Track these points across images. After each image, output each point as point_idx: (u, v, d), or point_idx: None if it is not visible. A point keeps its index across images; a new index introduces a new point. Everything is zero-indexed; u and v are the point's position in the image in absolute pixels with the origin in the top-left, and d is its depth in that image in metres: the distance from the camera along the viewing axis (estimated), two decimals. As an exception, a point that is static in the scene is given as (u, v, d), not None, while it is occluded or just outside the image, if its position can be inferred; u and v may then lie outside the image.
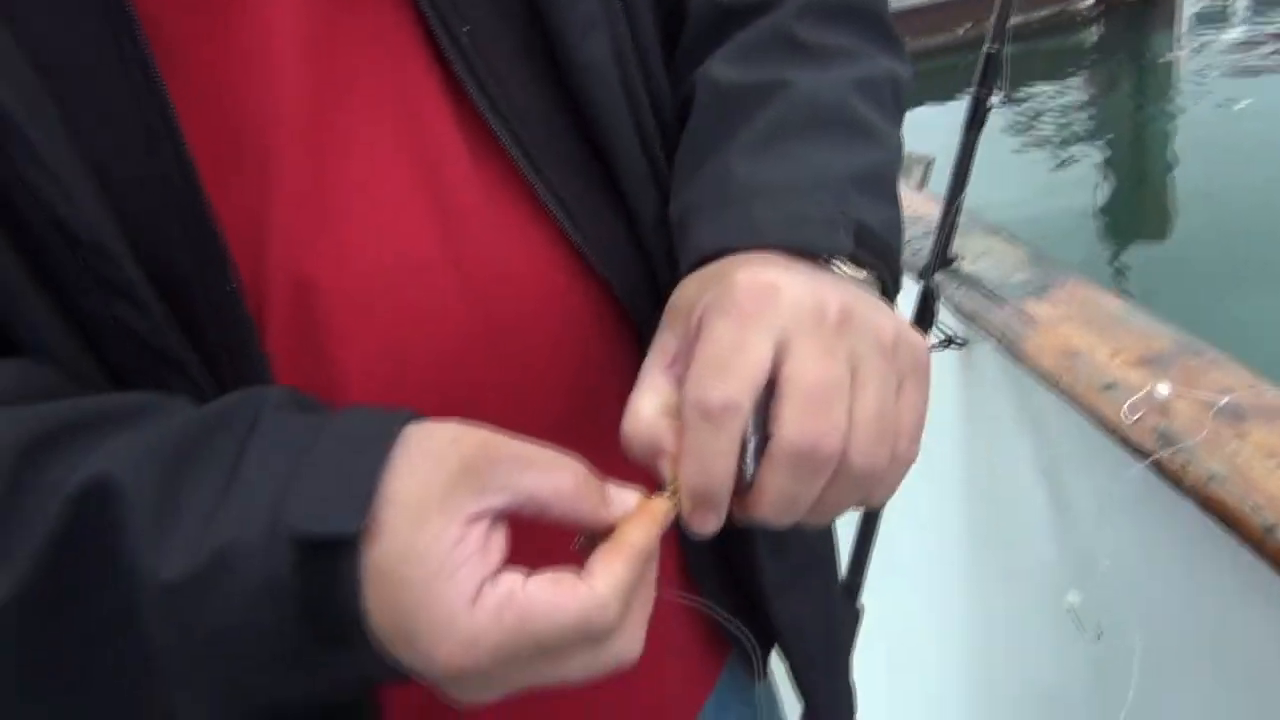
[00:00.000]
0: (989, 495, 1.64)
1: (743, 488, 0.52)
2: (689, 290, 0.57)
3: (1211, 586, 1.09)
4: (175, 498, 0.48)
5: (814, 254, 0.57)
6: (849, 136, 0.64)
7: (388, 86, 0.60)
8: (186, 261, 0.55)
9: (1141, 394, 1.09)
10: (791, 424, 0.51)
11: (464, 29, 0.60)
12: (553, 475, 0.50)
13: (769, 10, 0.70)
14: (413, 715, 0.64)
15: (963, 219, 1.56)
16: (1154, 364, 1.15)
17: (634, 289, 0.65)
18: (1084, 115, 9.41)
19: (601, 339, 0.66)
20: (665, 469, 0.53)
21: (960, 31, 9.35)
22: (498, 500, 0.48)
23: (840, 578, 0.88)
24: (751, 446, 0.52)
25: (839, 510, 0.55)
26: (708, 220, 0.60)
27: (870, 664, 1.16)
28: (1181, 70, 9.95)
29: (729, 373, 0.51)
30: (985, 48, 1.50)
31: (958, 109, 1.59)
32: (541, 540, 0.49)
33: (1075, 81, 10.08)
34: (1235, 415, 1.03)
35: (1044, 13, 11.10)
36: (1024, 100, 9.36)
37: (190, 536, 0.48)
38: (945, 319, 1.55)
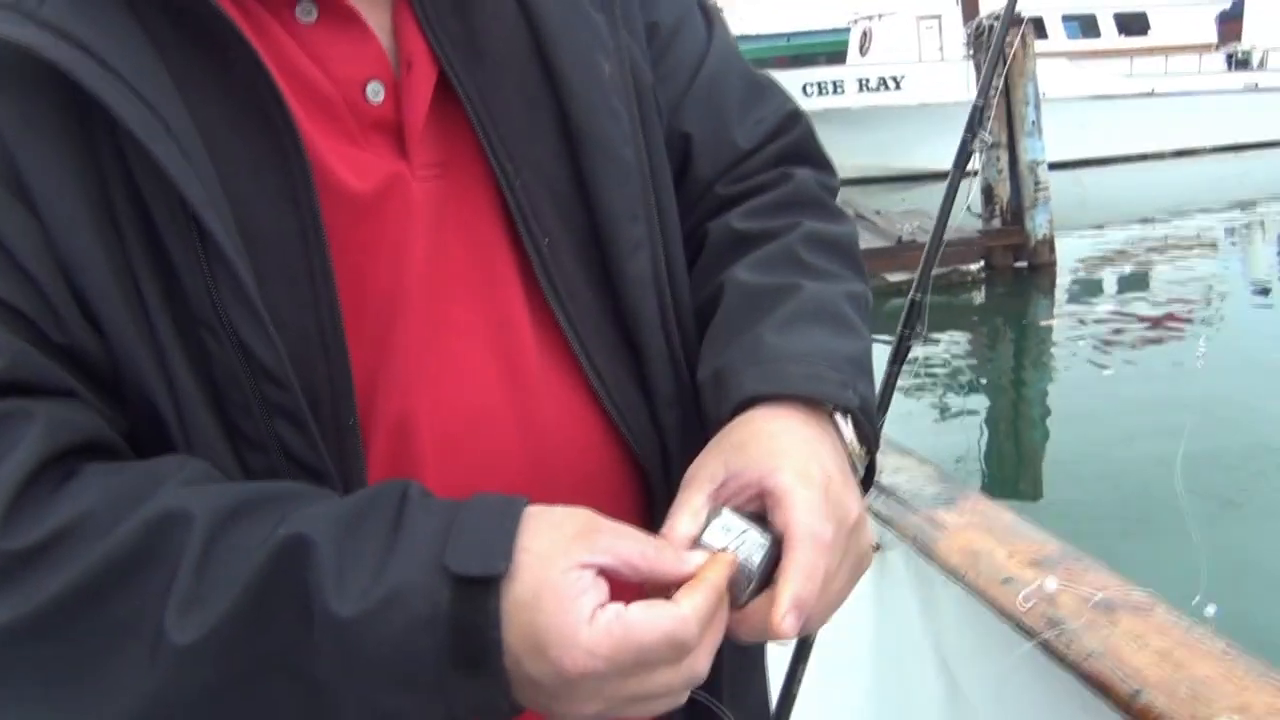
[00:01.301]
0: (897, 681, 1.83)
1: (739, 602, 0.70)
2: (737, 436, 0.76)
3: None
4: (351, 551, 0.64)
5: (824, 404, 0.78)
6: (846, 330, 0.85)
7: (482, 275, 0.79)
8: (325, 397, 0.72)
9: (1033, 587, 1.32)
10: (797, 582, 0.69)
11: (545, 240, 0.80)
12: (641, 543, 0.68)
13: (775, 237, 0.90)
14: None
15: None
16: (1043, 564, 1.38)
17: (647, 448, 0.84)
18: (969, 367, 9.97)
19: (621, 485, 0.84)
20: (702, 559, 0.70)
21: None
22: (603, 559, 0.66)
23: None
24: (760, 558, 0.71)
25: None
26: (744, 374, 0.79)
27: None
28: (1057, 335, 10.63)
29: (825, 527, 0.71)
30: (911, 295, 1.77)
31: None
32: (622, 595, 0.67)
33: (962, 335, 10.71)
34: (1108, 607, 1.26)
35: (936, 270, 11.79)
36: (924, 345, 9.87)
37: (364, 581, 0.64)
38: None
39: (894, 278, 9.98)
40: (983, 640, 1.47)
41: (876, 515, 1.75)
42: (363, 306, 0.74)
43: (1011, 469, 7.95)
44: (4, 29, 0.65)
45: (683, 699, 0.69)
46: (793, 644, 1.72)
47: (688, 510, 0.73)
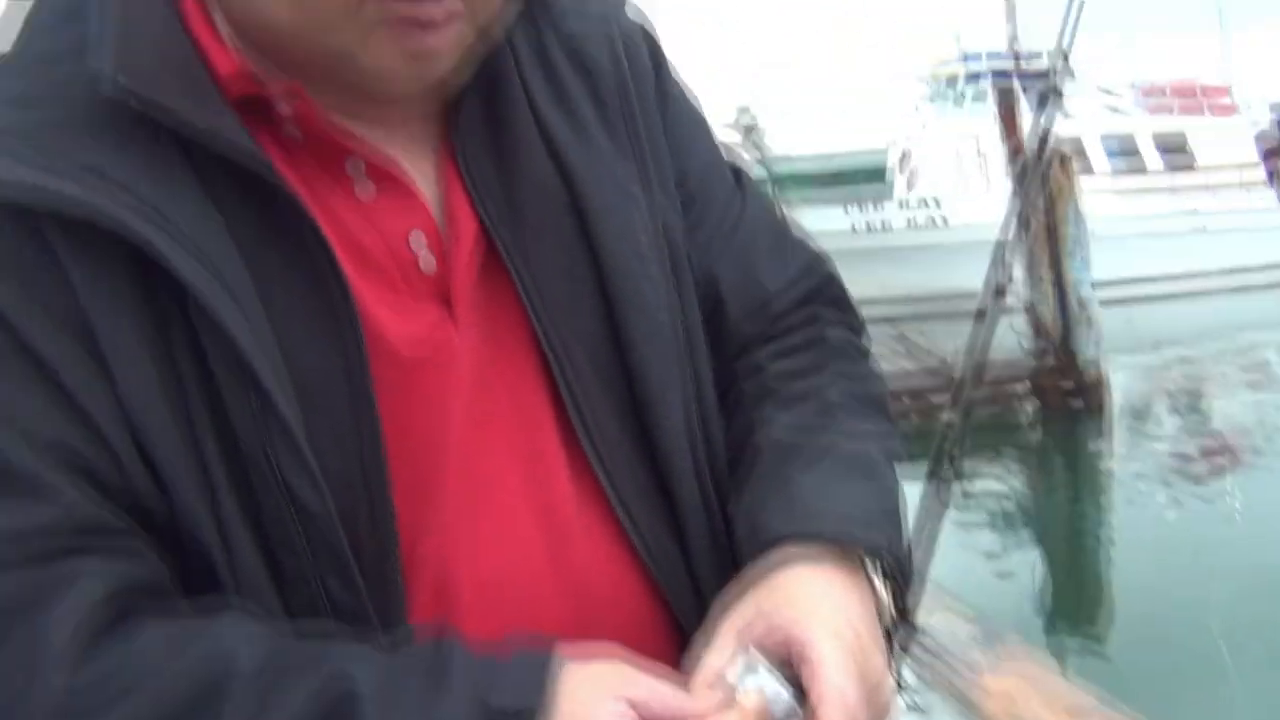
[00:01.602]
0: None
1: None
2: (771, 579, 0.78)
3: None
4: (396, 700, 0.67)
5: (854, 549, 0.79)
6: (877, 482, 0.86)
7: (521, 428, 0.82)
8: (368, 546, 0.74)
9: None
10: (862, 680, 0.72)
11: (582, 395, 0.83)
12: (673, 687, 0.71)
13: (807, 391, 0.91)
14: None
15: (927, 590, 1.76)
16: (1080, 715, 1.32)
17: (682, 597, 0.85)
18: (1023, 504, 9.78)
19: (656, 631, 0.85)
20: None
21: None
22: (638, 693, 0.69)
23: None
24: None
25: None
26: (775, 514, 0.81)
27: None
28: (1116, 474, 10.41)
29: (853, 684, 0.72)
30: (943, 445, 1.74)
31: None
32: None
33: (1016, 471, 10.54)
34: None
35: (990, 409, 11.69)
36: (972, 485, 9.76)
37: None
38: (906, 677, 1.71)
39: (943, 401, 9.86)
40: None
41: (918, 669, 1.69)
42: (405, 459, 0.76)
43: (1068, 605, 7.76)
44: (72, 190, 0.69)
45: None
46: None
47: (719, 651, 0.75)
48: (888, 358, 11.62)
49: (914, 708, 1.69)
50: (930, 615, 1.75)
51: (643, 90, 0.91)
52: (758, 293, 0.95)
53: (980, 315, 1.76)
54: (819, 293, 0.98)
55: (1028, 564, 8.17)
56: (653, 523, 0.84)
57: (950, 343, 11.01)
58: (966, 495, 9.54)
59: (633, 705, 0.69)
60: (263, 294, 0.72)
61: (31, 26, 0.76)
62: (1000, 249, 1.76)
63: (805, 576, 0.77)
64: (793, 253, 0.98)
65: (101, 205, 0.68)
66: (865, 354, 0.99)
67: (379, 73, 0.75)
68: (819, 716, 0.71)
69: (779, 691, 0.72)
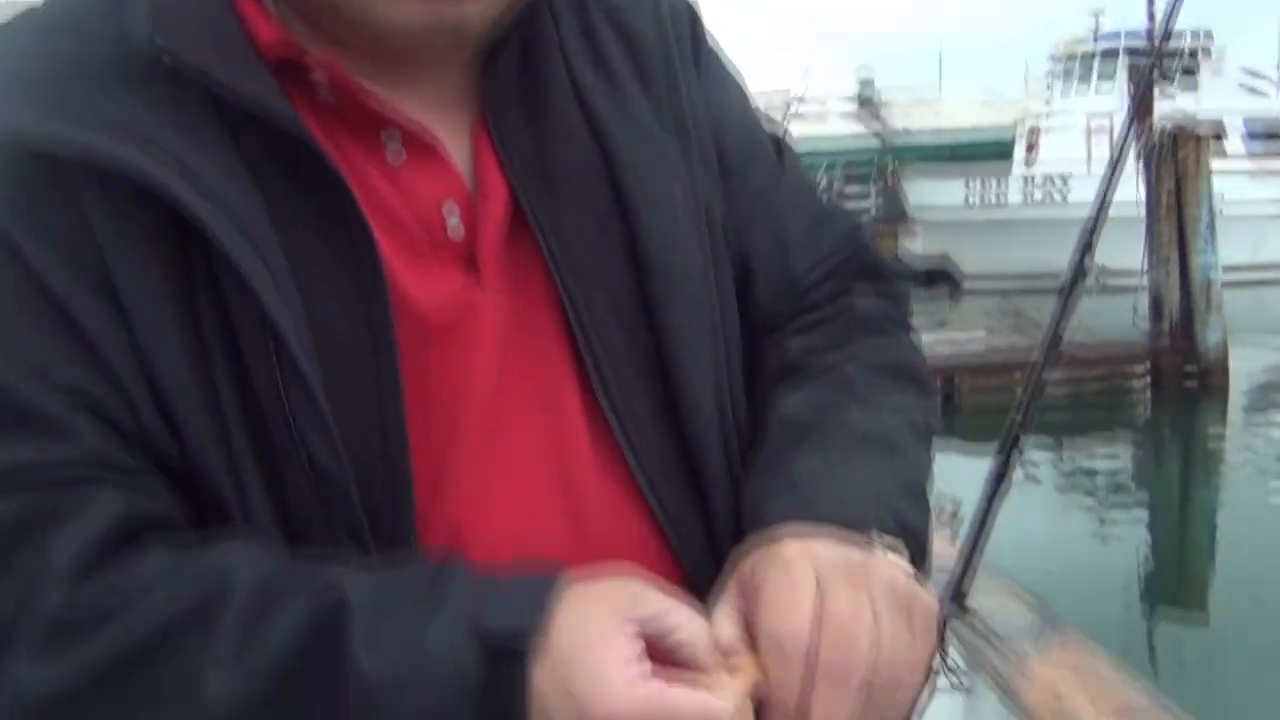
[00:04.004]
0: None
1: None
2: (750, 549, 0.75)
3: None
4: (388, 617, 0.66)
5: (858, 527, 0.75)
6: (890, 455, 0.82)
7: (544, 396, 0.80)
8: (385, 511, 0.74)
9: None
10: (827, 648, 0.68)
11: (609, 363, 0.80)
12: (685, 608, 0.68)
13: (826, 365, 0.88)
14: None
15: (982, 567, 1.73)
16: (1126, 715, 1.29)
17: (702, 570, 0.81)
18: (1131, 482, 9.56)
19: None
20: (743, 660, 0.69)
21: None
22: (645, 612, 0.66)
23: None
24: None
25: None
26: (773, 504, 0.78)
27: None
28: (1230, 460, 10.11)
29: (791, 615, 0.69)
30: (1011, 416, 1.70)
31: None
32: None
33: (1125, 449, 10.29)
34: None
35: (1099, 386, 11.44)
36: (1074, 460, 9.56)
37: (399, 646, 0.65)
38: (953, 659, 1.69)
39: (1055, 377, 9.63)
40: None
41: (965, 652, 1.66)
42: (425, 422, 0.75)
43: (1173, 587, 7.57)
44: (100, 141, 0.69)
45: None
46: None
47: (727, 611, 0.72)
48: (1000, 332, 11.44)
49: (958, 688, 1.67)
50: (989, 598, 1.71)
51: (685, 63, 0.88)
52: (788, 269, 0.92)
53: (1062, 292, 1.70)
54: (851, 264, 0.95)
55: (1132, 545, 7.98)
56: (676, 494, 0.82)
57: (1070, 320, 10.74)
58: (1073, 473, 9.38)
59: (640, 626, 0.66)
60: (289, 252, 0.72)
61: None
62: (1088, 227, 1.70)
63: (801, 539, 0.74)
64: (829, 226, 0.95)
65: (128, 156, 0.69)
66: (900, 323, 0.95)
67: (409, 31, 0.74)
68: (822, 651, 0.68)
69: None
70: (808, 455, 0.81)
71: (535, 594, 0.67)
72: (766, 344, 0.92)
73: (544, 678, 0.64)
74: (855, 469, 0.80)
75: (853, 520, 0.76)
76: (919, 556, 0.79)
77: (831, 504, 0.77)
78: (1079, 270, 1.74)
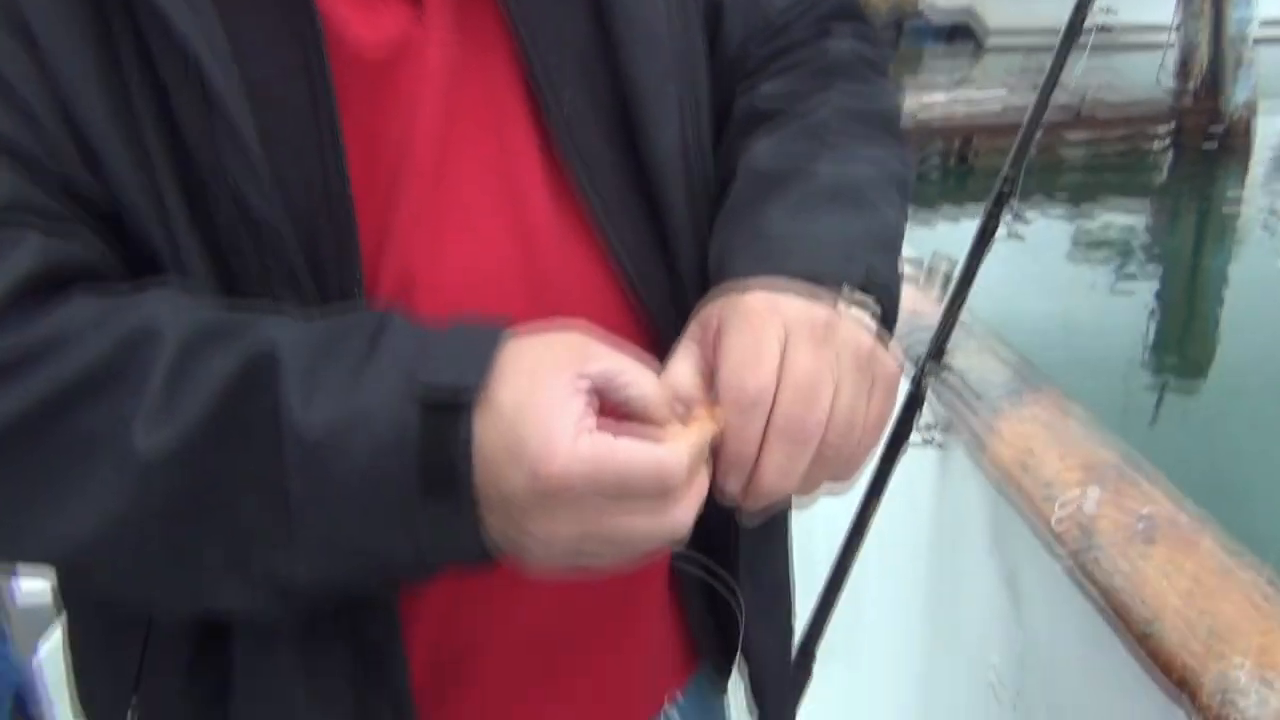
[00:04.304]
0: (950, 579, 1.76)
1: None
2: (715, 298, 0.72)
3: (1102, 670, 1.22)
4: (322, 370, 0.63)
5: (826, 281, 0.72)
6: (862, 208, 0.79)
7: (497, 139, 0.76)
8: (330, 259, 0.70)
9: (1071, 499, 1.22)
10: (786, 404, 0.66)
11: (566, 105, 0.76)
12: (634, 362, 0.65)
13: (799, 113, 0.84)
14: (432, 670, 0.77)
15: (970, 326, 1.71)
16: (1095, 473, 1.28)
17: (668, 322, 0.79)
18: (1143, 244, 9.52)
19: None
20: (700, 411, 0.67)
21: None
22: (595, 368, 0.63)
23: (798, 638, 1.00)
24: None
25: (818, 483, 0.70)
26: (741, 256, 0.75)
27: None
28: (1245, 224, 10.02)
29: (755, 368, 0.66)
30: (1003, 172, 1.64)
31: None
32: None
33: (1140, 210, 10.20)
34: (1149, 531, 1.16)
35: (1119, 148, 11.24)
36: (1087, 220, 9.50)
37: (334, 399, 0.62)
38: (929, 417, 1.69)
39: (1074, 137, 9.49)
40: (1026, 544, 1.39)
41: (943, 405, 1.65)
42: (369, 165, 0.72)
43: (1175, 348, 7.65)
44: None
45: (661, 550, 0.66)
46: (846, 528, 1.66)
47: (686, 356, 0.70)
48: (1020, 91, 11.11)
49: (929, 443, 1.67)
50: (970, 357, 1.69)
51: None
52: (760, 7, 0.87)
53: (1064, 43, 1.60)
54: (828, 2, 0.90)
55: (1138, 313, 8.00)
56: (638, 242, 0.79)
57: (1093, 78, 10.46)
58: (1085, 237, 9.32)
59: (590, 380, 0.63)
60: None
61: None
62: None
63: (768, 292, 0.71)
64: None
65: None
66: (877, 68, 0.90)
67: None
68: (778, 406, 0.66)
69: None
70: (777, 206, 0.77)
71: (477, 347, 0.63)
72: (738, 90, 0.87)
73: (488, 433, 0.61)
74: (826, 221, 0.76)
75: (821, 274, 0.72)
76: (888, 311, 0.75)
77: (800, 258, 0.73)
78: (1079, 18, 1.63)
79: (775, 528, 0.94)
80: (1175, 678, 0.98)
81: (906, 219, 0.84)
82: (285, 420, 0.62)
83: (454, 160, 0.74)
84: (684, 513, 0.63)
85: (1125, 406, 6.18)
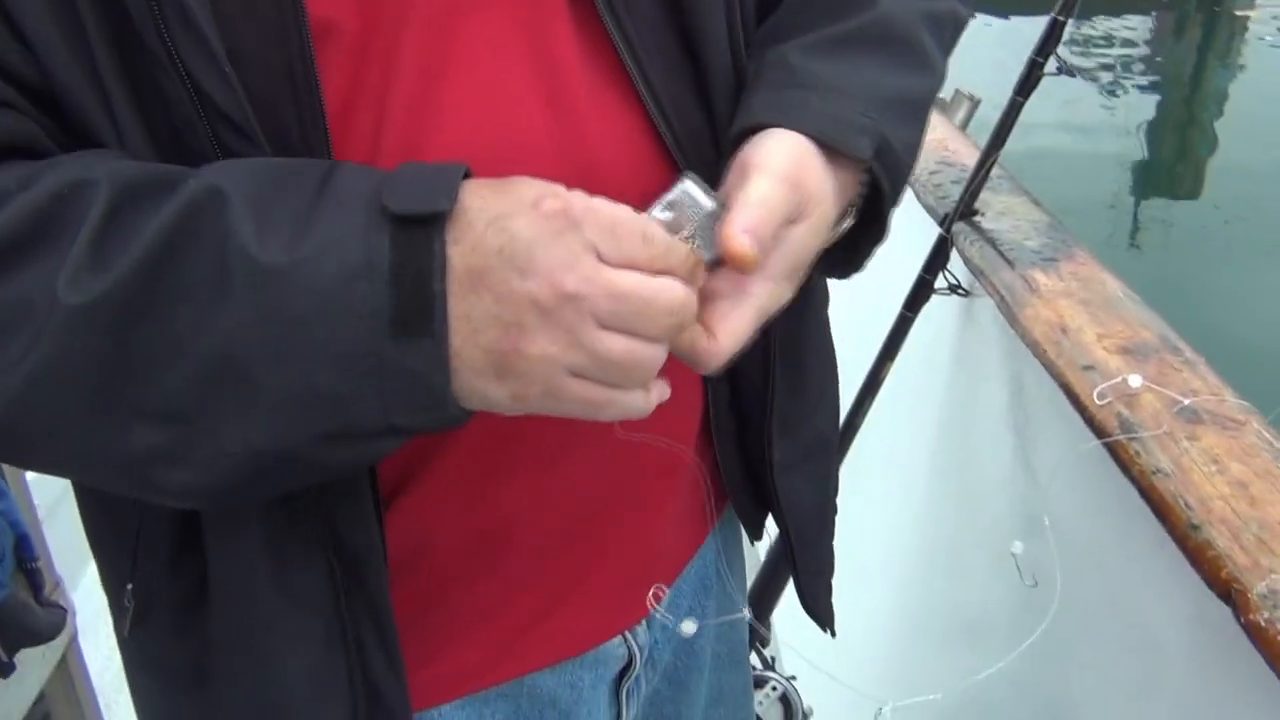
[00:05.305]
0: (961, 436, 1.75)
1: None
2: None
3: (1136, 564, 1.21)
4: (273, 204, 0.58)
5: (841, 141, 0.70)
6: (905, 61, 0.76)
7: None
8: (296, 141, 0.64)
9: (1114, 382, 1.19)
10: (779, 261, 0.68)
11: None
12: (609, 202, 0.62)
13: None
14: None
15: (995, 173, 1.64)
16: (1135, 354, 1.25)
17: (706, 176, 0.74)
18: (1144, 57, 9.30)
19: None
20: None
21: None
22: (567, 196, 0.60)
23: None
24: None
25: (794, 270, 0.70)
26: (766, 96, 0.72)
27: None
28: (1253, 28, 9.78)
29: (760, 213, 0.66)
30: (1053, 14, 1.54)
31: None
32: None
33: (1141, 21, 9.92)
34: (1193, 417, 1.14)
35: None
36: (1087, 34, 9.24)
37: (292, 227, 0.58)
38: (957, 268, 1.64)
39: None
40: (1052, 423, 1.36)
41: (969, 263, 1.60)
42: (340, 31, 0.65)
43: (1170, 163, 7.57)
44: None
45: (649, 407, 0.65)
46: (861, 378, 1.64)
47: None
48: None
49: (956, 289, 1.63)
50: (1000, 217, 1.63)
51: None
52: None
53: None
54: None
55: (1139, 113, 7.87)
56: (675, 88, 0.74)
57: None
58: (1086, 49, 9.08)
59: (561, 203, 0.60)
60: None
61: None
62: None
63: (779, 136, 0.70)
64: None
65: None
66: None
67: None
68: (732, 210, 0.66)
69: (698, 198, 0.67)
70: (816, 51, 0.74)
71: (443, 178, 0.59)
72: None
73: (463, 250, 0.58)
74: (860, 77, 0.73)
75: (833, 141, 0.70)
76: (897, 173, 0.74)
77: (820, 120, 0.70)
78: None
79: (815, 386, 0.95)
80: (1223, 577, 0.97)
81: (946, 61, 0.82)
82: (237, 254, 0.57)
83: (463, 9, 0.68)
84: (661, 355, 0.63)
85: (1112, 226, 6.17)
